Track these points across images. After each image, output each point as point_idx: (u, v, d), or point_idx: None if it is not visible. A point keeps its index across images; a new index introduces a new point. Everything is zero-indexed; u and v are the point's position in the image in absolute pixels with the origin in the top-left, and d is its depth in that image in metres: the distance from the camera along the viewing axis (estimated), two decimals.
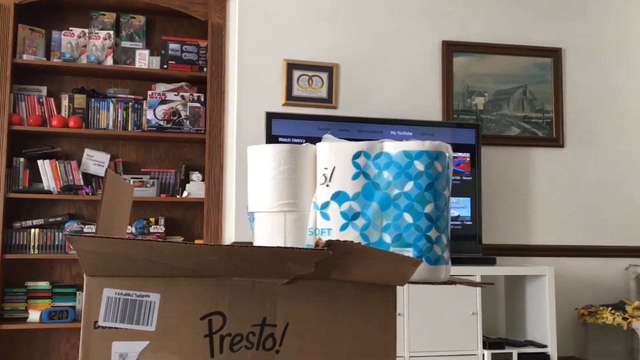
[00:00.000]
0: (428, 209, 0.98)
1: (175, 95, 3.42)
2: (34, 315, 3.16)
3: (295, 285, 0.88)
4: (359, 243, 0.89)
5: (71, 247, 3.21)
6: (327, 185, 1.02)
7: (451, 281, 1.02)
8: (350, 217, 0.99)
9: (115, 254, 0.85)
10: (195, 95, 3.45)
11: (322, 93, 3.39)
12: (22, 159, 3.28)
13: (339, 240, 0.83)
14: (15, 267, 3.28)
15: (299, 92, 3.37)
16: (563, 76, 3.69)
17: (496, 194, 3.55)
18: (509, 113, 3.61)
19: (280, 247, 0.87)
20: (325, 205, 1.01)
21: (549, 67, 3.67)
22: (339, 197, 1.01)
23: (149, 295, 0.88)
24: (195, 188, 3.41)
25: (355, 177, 1.00)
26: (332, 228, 1.00)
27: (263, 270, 0.88)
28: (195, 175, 3.45)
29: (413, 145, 0.99)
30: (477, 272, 2.93)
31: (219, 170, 3.36)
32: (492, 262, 3.14)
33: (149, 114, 3.36)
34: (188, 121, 3.39)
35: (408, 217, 0.98)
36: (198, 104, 3.42)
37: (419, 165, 0.98)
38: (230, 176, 3.35)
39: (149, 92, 3.39)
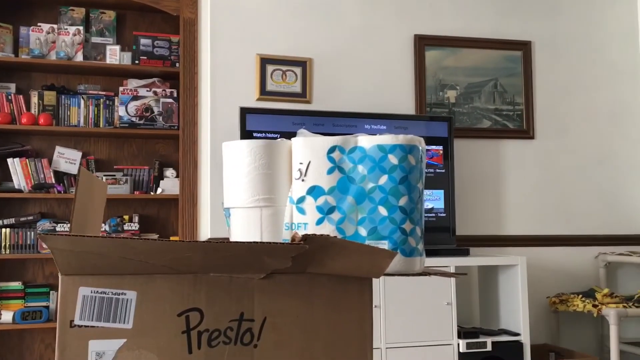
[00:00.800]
0: (402, 201, 0.99)
1: (147, 91, 3.38)
2: (6, 316, 3.11)
3: (272, 279, 0.89)
4: (335, 237, 0.90)
5: (44, 246, 3.17)
6: (303, 180, 1.02)
7: (426, 272, 1.03)
8: (326, 211, 1.00)
9: (90, 252, 0.85)
10: (168, 90, 3.42)
11: (296, 88, 3.39)
12: None
13: (315, 234, 0.84)
14: None
15: (272, 86, 3.37)
16: (533, 69, 3.75)
17: (469, 185, 3.60)
18: (480, 106, 3.65)
19: (257, 242, 0.87)
20: (301, 199, 1.02)
21: (519, 60, 3.72)
22: (314, 191, 1.01)
23: (125, 293, 0.88)
24: (169, 184, 3.39)
25: (330, 171, 1.01)
26: (308, 222, 1.01)
27: (240, 266, 0.88)
28: (170, 172, 3.43)
29: (387, 139, 1.01)
30: (451, 263, 2.97)
31: (193, 166, 3.34)
32: (465, 253, 3.19)
33: (120, 111, 3.32)
34: (161, 117, 3.36)
35: (383, 210, 0.99)
36: (171, 100, 3.39)
37: (393, 159, 1.00)
38: (205, 172, 3.34)
39: (121, 88, 3.35)
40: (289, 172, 1.05)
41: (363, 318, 0.94)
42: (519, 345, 3.02)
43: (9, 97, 3.26)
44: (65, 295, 0.87)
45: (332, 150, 1.02)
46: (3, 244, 3.16)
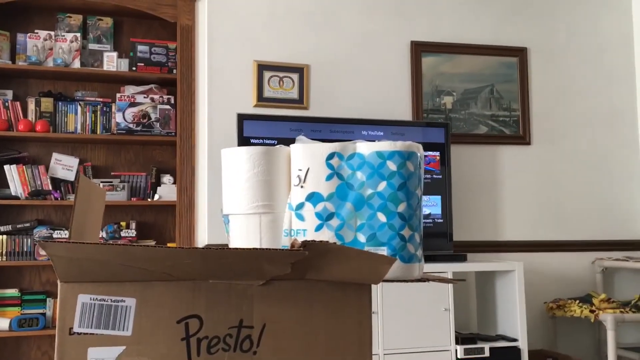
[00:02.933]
0: (401, 208, 1.00)
1: (144, 97, 3.38)
2: (3, 323, 3.09)
3: (271, 286, 0.89)
4: (334, 243, 0.91)
5: (41, 253, 3.16)
6: (302, 187, 1.03)
7: (424, 278, 1.04)
8: (325, 218, 1.01)
9: (89, 259, 0.85)
10: (165, 97, 3.42)
11: (293, 94, 3.40)
12: None
13: (314, 241, 0.84)
14: None
15: (270, 93, 3.37)
16: (529, 75, 3.76)
17: (466, 191, 3.61)
18: (477, 112, 3.67)
19: (256, 249, 0.87)
20: (300, 206, 1.02)
21: (515, 67, 3.74)
22: (313, 198, 1.02)
23: (124, 300, 0.88)
24: (166, 191, 3.38)
25: (329, 177, 1.02)
26: (307, 229, 1.01)
27: (239, 272, 0.88)
28: (167, 178, 3.42)
29: (385, 146, 1.01)
30: (448, 269, 2.98)
31: (191, 173, 3.34)
32: (463, 259, 3.19)
33: (118, 117, 3.32)
34: (158, 123, 3.36)
35: (382, 217, 0.99)
36: (168, 106, 3.39)
37: (392, 165, 1.00)
38: (202, 178, 3.34)
39: (118, 95, 3.35)
40: (287, 179, 1.05)
41: (362, 324, 0.94)
42: (516, 350, 3.02)
43: (6, 104, 3.26)
44: (64, 302, 0.87)
45: (330, 156, 1.02)
46: (0, 251, 3.15)
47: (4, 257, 3.15)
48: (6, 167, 3.21)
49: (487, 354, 2.94)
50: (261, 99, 3.35)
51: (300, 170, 1.03)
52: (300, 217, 1.02)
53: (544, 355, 3.43)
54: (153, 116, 3.36)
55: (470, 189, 3.62)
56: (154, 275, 0.86)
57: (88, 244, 0.85)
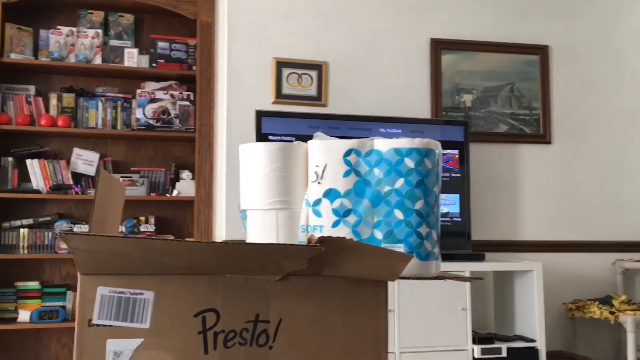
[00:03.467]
0: (418, 205, 0.99)
1: (164, 93, 3.41)
2: (24, 316, 3.14)
3: (287, 281, 0.89)
4: (351, 239, 0.91)
5: (61, 246, 3.21)
6: (319, 183, 1.03)
7: (441, 276, 1.03)
8: (341, 214, 1.01)
9: (109, 252, 0.86)
10: (185, 93, 3.45)
11: (312, 91, 3.40)
12: (10, 159, 3.26)
13: (331, 237, 0.84)
14: (4, 267, 3.26)
15: (288, 90, 3.38)
16: (550, 73, 3.72)
17: (485, 190, 3.58)
18: (497, 110, 3.64)
19: (273, 244, 0.88)
20: (317, 202, 1.02)
21: (535, 65, 3.70)
22: (330, 194, 1.02)
23: (143, 293, 0.89)
24: (185, 186, 3.41)
25: (346, 174, 1.02)
26: (324, 225, 1.01)
27: (256, 267, 0.89)
28: (185, 174, 3.45)
29: (403, 143, 1.01)
30: (466, 268, 2.96)
31: (209, 169, 3.37)
32: (481, 258, 3.17)
33: (138, 113, 3.35)
34: (177, 120, 3.39)
35: (399, 214, 0.99)
36: (187, 103, 3.42)
37: (409, 163, 1.00)
38: (221, 174, 3.36)
39: (138, 91, 3.39)
40: (305, 175, 1.05)
41: (378, 321, 0.94)
42: (534, 351, 2.99)
43: (29, 99, 3.30)
44: (84, 294, 0.88)
45: (348, 153, 1.02)
46: (21, 244, 3.20)
47: (26, 250, 3.20)
48: (28, 161, 3.26)
49: (504, 354, 2.92)
50: (280, 95, 3.36)
51: (318, 166, 1.03)
52: (317, 214, 1.02)
53: (563, 357, 3.39)
54: (172, 112, 3.38)
55: (490, 188, 3.59)
56: (172, 269, 0.87)
57: (108, 236, 0.86)
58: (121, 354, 0.89)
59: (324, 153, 1.03)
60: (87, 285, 0.87)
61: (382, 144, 1.02)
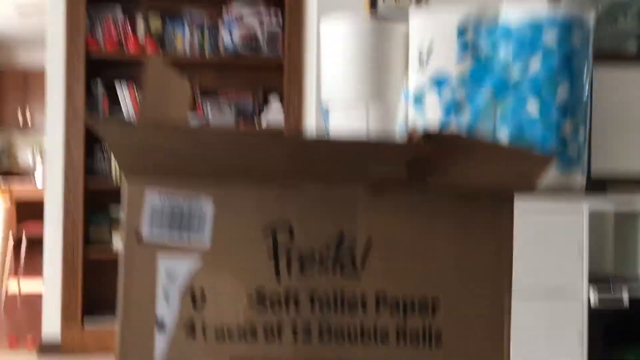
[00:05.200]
0: (561, 96, 0.73)
1: (252, 16, 3.27)
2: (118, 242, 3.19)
3: (380, 191, 0.69)
4: (469, 136, 0.67)
5: None
6: (423, 70, 0.79)
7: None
8: (453, 108, 0.77)
9: (154, 147, 0.69)
10: (273, 18, 3.28)
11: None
12: (100, 85, 3.28)
13: (440, 132, 0.61)
14: (97, 193, 3.31)
15: (384, 7, 3.09)
16: None
17: (609, 118, 3.16)
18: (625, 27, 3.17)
19: (361, 141, 0.67)
20: (420, 95, 0.79)
21: None
22: (438, 83, 0.78)
23: (200, 201, 0.71)
24: (274, 114, 3.30)
25: (461, 56, 0.77)
26: (430, 123, 0.78)
27: (338, 172, 0.68)
28: (274, 101, 3.34)
29: (541, 12, 0.74)
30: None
31: (298, 96, 3.23)
32: (601, 187, 2.83)
33: (225, 37, 3.25)
34: (266, 45, 3.26)
35: (533, 107, 0.74)
36: (276, 27, 3.27)
37: (550, 39, 0.73)
38: (310, 102, 3.20)
39: (226, 18, 3.26)
40: (404, 61, 0.82)
41: (501, 250, 0.72)
42: None
43: (115, 20, 3.24)
44: (131, 201, 0.72)
45: (463, 29, 0.77)
46: (114, 171, 3.24)
47: (118, 181, 3.22)
48: (117, 87, 3.26)
49: (626, 304, 2.61)
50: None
51: (422, 47, 0.79)
52: (420, 108, 0.79)
53: None
54: (260, 37, 3.26)
55: (615, 115, 3.17)
56: (231, 170, 0.68)
57: (151, 126, 0.68)
58: (175, 277, 0.72)
59: (430, 30, 0.78)
60: (133, 189, 0.71)
61: (512, 15, 0.75)
